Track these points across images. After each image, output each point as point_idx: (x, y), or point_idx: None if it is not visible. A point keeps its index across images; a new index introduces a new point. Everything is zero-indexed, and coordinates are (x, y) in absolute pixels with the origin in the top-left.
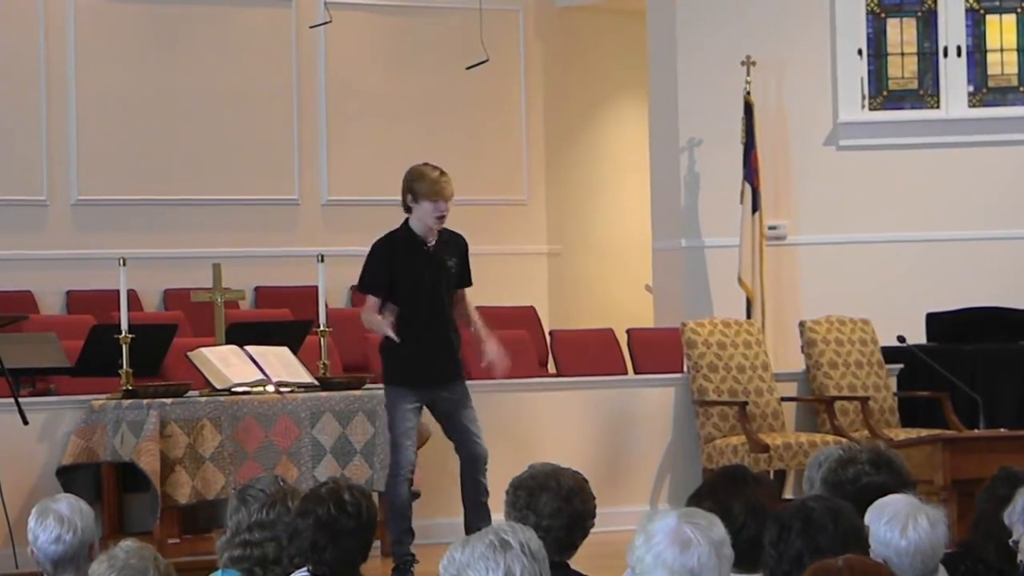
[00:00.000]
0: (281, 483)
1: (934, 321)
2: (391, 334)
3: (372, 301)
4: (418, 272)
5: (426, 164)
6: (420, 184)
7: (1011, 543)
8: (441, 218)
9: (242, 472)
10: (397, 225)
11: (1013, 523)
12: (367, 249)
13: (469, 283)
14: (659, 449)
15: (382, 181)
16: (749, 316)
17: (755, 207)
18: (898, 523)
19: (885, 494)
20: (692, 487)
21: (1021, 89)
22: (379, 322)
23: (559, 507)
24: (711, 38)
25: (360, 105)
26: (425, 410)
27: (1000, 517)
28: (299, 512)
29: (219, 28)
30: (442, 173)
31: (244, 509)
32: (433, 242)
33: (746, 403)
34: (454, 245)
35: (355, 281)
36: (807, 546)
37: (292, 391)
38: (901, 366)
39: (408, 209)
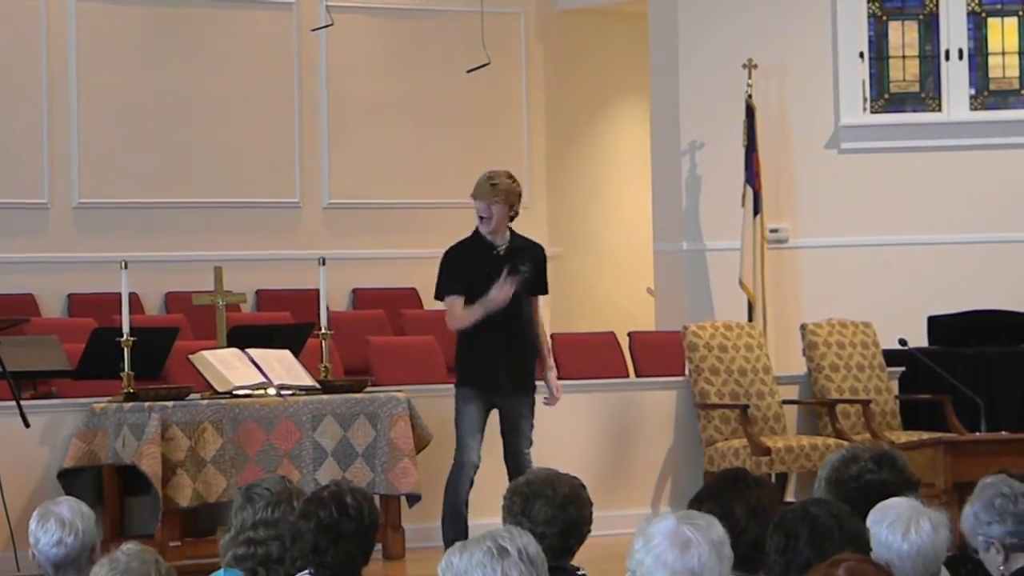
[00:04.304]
0: (287, 483)
1: (935, 324)
2: (481, 311)
3: (453, 301)
4: (488, 273)
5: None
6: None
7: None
8: (480, 219)
9: (243, 475)
10: (398, 229)
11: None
12: (368, 252)
13: (542, 291)
14: (660, 452)
15: (383, 184)
16: (750, 319)
17: (756, 210)
18: (900, 526)
19: (887, 492)
20: (693, 490)
21: (1022, 92)
22: (470, 309)
23: (554, 514)
24: (712, 41)
25: (361, 108)
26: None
27: None
28: (301, 514)
29: (220, 31)
30: (489, 177)
31: (249, 507)
32: (503, 246)
33: (747, 406)
34: (529, 252)
35: (356, 284)
36: (815, 554)
37: (293, 394)
38: (902, 369)
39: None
